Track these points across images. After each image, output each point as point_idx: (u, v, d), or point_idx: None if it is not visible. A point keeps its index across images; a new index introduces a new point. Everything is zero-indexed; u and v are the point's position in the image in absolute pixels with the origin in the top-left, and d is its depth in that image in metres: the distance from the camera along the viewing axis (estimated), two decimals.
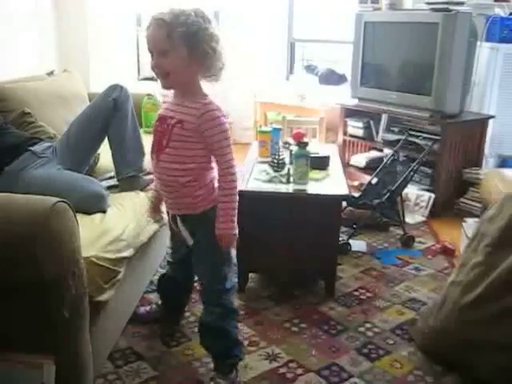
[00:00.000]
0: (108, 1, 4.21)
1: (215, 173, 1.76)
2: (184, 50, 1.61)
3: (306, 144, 2.45)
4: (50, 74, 3.30)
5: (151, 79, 4.60)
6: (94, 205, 2.04)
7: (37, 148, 2.30)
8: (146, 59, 4.83)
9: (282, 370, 1.94)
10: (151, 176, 2.48)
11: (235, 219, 1.73)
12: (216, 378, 1.83)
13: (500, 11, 3.81)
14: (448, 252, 2.98)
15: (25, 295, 1.43)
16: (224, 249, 1.79)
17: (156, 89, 4.16)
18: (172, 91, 1.74)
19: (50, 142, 2.41)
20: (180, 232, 1.86)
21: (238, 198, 1.73)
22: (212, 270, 1.84)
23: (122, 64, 4.34)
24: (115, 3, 4.25)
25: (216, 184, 1.76)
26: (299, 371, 1.93)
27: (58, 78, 3.27)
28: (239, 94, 5.28)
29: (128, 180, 2.37)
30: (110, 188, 2.33)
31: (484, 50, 3.75)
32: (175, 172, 1.70)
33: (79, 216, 1.61)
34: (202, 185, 1.74)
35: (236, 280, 2.20)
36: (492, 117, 3.70)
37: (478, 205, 3.44)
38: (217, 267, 1.83)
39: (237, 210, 1.73)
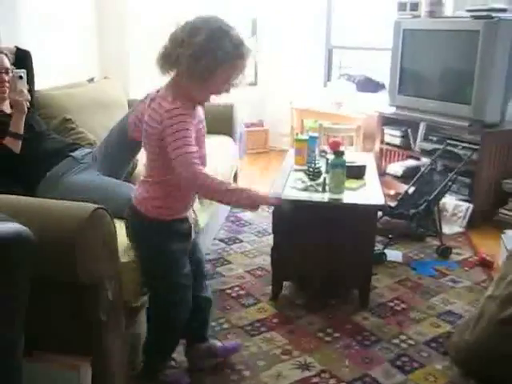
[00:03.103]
0: (148, 7, 4.28)
1: None
2: None
3: (343, 153, 2.44)
4: (91, 80, 3.38)
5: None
6: None
7: (77, 154, 2.37)
8: None
9: (314, 380, 1.94)
10: None
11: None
12: None
13: None
14: (486, 264, 2.92)
15: (63, 298, 1.47)
16: None
17: None
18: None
19: (90, 148, 2.47)
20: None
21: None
22: None
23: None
24: (155, 9, 4.32)
25: None
26: (331, 381, 1.93)
27: (98, 85, 3.35)
28: (276, 100, 5.30)
29: None
30: None
31: None
32: None
33: (117, 222, 1.65)
34: None
35: None
36: None
37: None
38: None
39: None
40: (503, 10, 3.27)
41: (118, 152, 2.38)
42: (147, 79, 4.12)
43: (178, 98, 1.61)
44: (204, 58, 1.55)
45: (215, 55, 1.56)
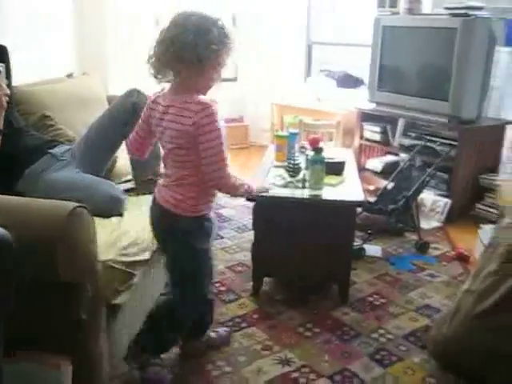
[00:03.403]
0: (126, 3, 4.25)
1: None
2: None
3: (322, 149, 2.46)
4: (70, 76, 3.35)
5: (168, 81, 4.65)
6: (111, 208, 2.08)
7: (56, 151, 2.35)
8: None
9: (294, 375, 1.96)
10: None
11: None
12: None
13: None
14: (463, 258, 2.97)
15: (44, 297, 1.46)
16: None
17: None
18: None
19: (70, 145, 2.45)
20: None
21: None
22: None
23: (140, 66, 4.38)
24: (133, 5, 4.29)
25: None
26: (312, 376, 1.95)
27: (77, 81, 3.31)
28: (257, 95, 5.31)
29: (145, 183, 2.40)
30: (127, 191, 2.37)
31: (502, 54, 3.72)
32: None
33: (97, 219, 1.65)
34: None
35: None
36: (510, 122, 3.68)
37: (494, 211, 3.43)
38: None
39: None
40: (480, 8, 3.32)
41: (98, 149, 2.38)
42: (126, 75, 4.11)
43: (197, 95, 1.68)
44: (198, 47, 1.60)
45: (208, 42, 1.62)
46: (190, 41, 1.59)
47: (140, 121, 1.84)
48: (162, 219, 1.80)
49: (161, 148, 1.86)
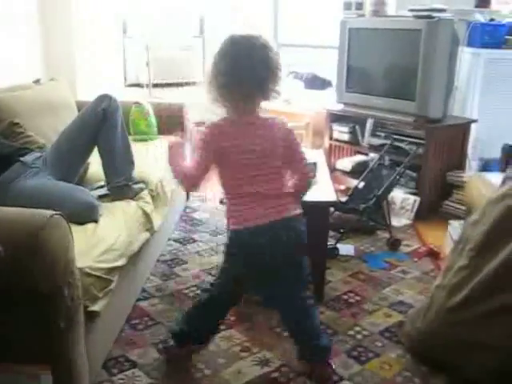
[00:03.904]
0: (93, 8, 4.22)
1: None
2: None
3: None
4: (37, 82, 3.31)
5: (137, 85, 4.64)
6: (86, 215, 2.06)
7: (27, 158, 2.32)
8: (133, 66, 4.81)
9: (274, 375, 1.98)
10: (141, 185, 2.52)
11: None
12: None
13: (480, 17, 3.90)
14: (434, 254, 3.04)
15: (22, 307, 1.45)
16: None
17: (144, 96, 4.21)
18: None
19: (40, 152, 2.43)
20: None
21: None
22: None
23: (108, 71, 4.36)
24: (101, 10, 4.27)
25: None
26: (291, 375, 1.97)
27: (45, 87, 3.28)
28: None
29: (118, 189, 2.40)
30: (100, 197, 2.36)
31: (466, 55, 3.83)
32: None
33: (72, 226, 1.63)
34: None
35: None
36: (474, 121, 3.78)
37: (462, 207, 3.50)
38: None
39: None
40: (442, 10, 3.40)
41: (70, 156, 2.36)
42: (94, 80, 4.09)
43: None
44: None
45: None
46: None
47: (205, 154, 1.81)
48: (289, 232, 1.81)
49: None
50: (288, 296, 1.88)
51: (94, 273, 1.76)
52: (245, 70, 1.70)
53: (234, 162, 1.77)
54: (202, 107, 5.19)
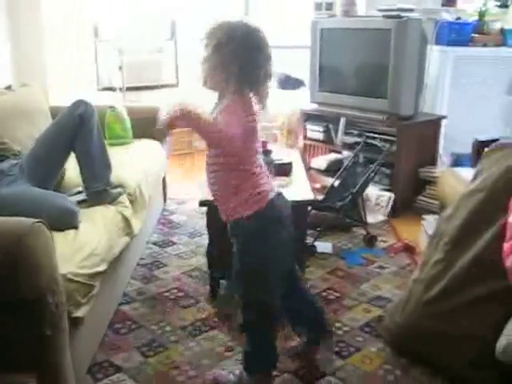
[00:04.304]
0: (64, 12, 4.20)
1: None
2: (208, 58, 1.72)
3: (270, 152, 2.52)
4: (8, 88, 3.27)
5: (110, 89, 4.62)
6: (66, 221, 2.06)
7: (3, 166, 2.31)
8: (105, 70, 4.78)
9: None
10: (119, 189, 2.52)
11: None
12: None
13: (447, 16, 3.99)
14: (409, 249, 3.10)
15: (6, 315, 1.45)
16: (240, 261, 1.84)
17: (118, 100, 4.19)
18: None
19: (16, 160, 2.42)
20: None
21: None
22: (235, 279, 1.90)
23: (80, 75, 4.34)
24: (72, 14, 4.24)
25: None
26: (276, 373, 1.99)
27: (17, 93, 3.24)
28: (198, 100, 5.31)
29: (97, 194, 2.39)
30: (78, 203, 2.35)
31: (434, 53, 3.91)
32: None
33: (52, 233, 1.64)
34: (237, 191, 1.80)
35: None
36: (444, 117, 3.87)
37: (435, 202, 3.58)
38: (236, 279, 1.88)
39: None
40: (411, 10, 3.47)
41: (47, 162, 2.36)
42: (67, 85, 4.06)
43: None
44: None
45: None
46: None
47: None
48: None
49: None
50: (294, 270, 1.98)
51: (76, 279, 1.77)
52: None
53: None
54: None
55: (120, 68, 4.37)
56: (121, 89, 4.40)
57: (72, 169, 2.54)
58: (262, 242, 1.77)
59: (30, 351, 1.51)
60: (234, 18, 1.76)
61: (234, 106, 1.71)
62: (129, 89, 4.45)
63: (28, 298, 1.43)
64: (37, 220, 1.48)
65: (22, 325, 1.47)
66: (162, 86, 4.84)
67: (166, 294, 2.59)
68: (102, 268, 1.98)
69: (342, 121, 4.06)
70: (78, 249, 1.91)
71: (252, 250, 1.80)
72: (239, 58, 1.69)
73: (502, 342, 1.65)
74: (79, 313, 1.77)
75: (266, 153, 2.50)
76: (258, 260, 1.78)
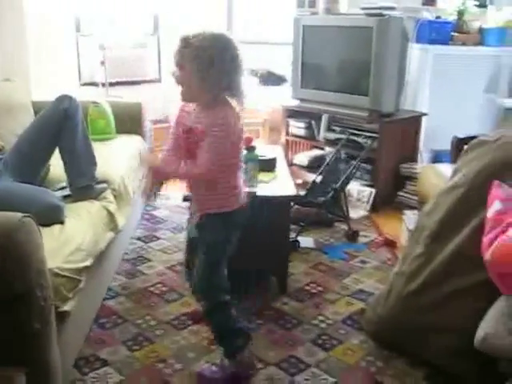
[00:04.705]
0: (46, 6, 4.16)
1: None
2: (194, 68, 1.70)
3: (255, 148, 2.54)
4: None
5: (92, 84, 4.59)
6: (51, 217, 2.06)
7: None
8: (87, 64, 4.72)
9: None
10: (103, 185, 2.53)
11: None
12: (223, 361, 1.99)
13: (428, 15, 4.05)
14: (390, 244, 3.16)
15: None
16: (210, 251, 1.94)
17: (100, 95, 4.17)
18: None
19: (0, 155, 2.40)
20: None
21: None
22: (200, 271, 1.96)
23: (62, 70, 4.30)
24: (53, 8, 4.20)
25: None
26: (259, 365, 2.04)
27: (0, 88, 3.22)
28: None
29: (81, 190, 2.40)
30: (63, 198, 2.35)
31: (415, 51, 3.98)
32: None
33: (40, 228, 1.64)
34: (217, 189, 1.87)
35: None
36: (425, 114, 3.93)
37: (415, 197, 3.65)
38: (203, 271, 1.95)
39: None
40: (392, 8, 3.53)
41: (31, 157, 2.36)
42: (49, 80, 4.03)
43: None
44: None
45: None
46: None
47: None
48: None
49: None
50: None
51: (63, 273, 1.78)
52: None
53: None
54: (159, 105, 5.20)
55: (102, 63, 4.34)
56: (103, 84, 4.38)
57: (56, 164, 2.53)
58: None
59: (18, 346, 1.52)
60: (213, 29, 1.75)
61: (224, 115, 1.76)
62: (111, 84, 4.43)
63: (16, 292, 1.43)
64: (25, 215, 1.49)
65: (10, 319, 1.47)
66: (145, 82, 4.82)
67: (151, 288, 2.60)
68: (87, 263, 1.99)
69: (324, 117, 4.11)
70: (64, 244, 1.92)
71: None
72: (228, 71, 1.73)
73: (480, 334, 1.70)
74: (66, 307, 1.78)
75: (250, 149, 2.51)
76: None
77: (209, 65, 1.69)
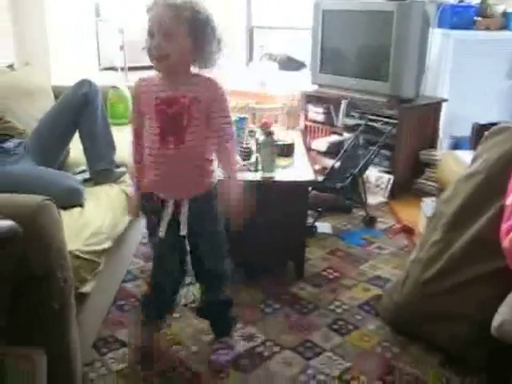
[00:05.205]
0: None
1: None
2: (187, 34, 1.64)
3: (273, 133, 2.54)
4: (10, 67, 3.28)
5: (111, 69, 4.62)
6: (71, 200, 2.09)
7: (8, 145, 2.33)
8: (106, 49, 4.73)
9: (259, 349, 2.06)
10: (123, 168, 2.55)
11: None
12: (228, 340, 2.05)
13: None
14: (408, 231, 3.15)
15: (16, 290, 1.48)
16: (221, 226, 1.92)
17: (120, 79, 4.20)
18: (156, 74, 1.74)
19: (21, 138, 2.44)
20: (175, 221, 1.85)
21: None
22: (217, 251, 1.95)
23: (82, 55, 4.33)
24: None
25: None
26: (275, 349, 2.06)
27: (20, 72, 3.25)
28: None
29: (101, 173, 2.42)
30: (83, 181, 2.38)
31: (436, 36, 3.91)
32: (201, 149, 1.76)
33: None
34: (212, 160, 1.83)
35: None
36: (445, 100, 3.88)
37: (434, 184, 3.62)
38: (221, 248, 1.96)
39: None
40: None
41: (52, 141, 2.39)
42: (69, 64, 4.06)
43: None
44: None
45: None
46: None
47: None
48: None
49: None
50: None
51: (82, 255, 1.81)
52: None
53: None
54: None
55: (121, 48, 4.36)
56: (122, 68, 4.40)
57: (76, 148, 2.56)
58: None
59: (38, 326, 1.55)
60: None
61: (219, 81, 1.75)
62: (131, 68, 4.45)
63: (37, 273, 1.46)
64: (45, 198, 1.51)
65: (30, 300, 1.50)
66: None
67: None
68: (106, 245, 2.02)
69: (344, 103, 4.07)
70: (84, 226, 1.95)
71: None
72: (219, 37, 1.72)
73: (497, 320, 1.69)
74: (85, 289, 1.81)
75: (268, 134, 2.51)
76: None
77: (204, 26, 1.66)
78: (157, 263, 1.97)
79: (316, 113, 4.29)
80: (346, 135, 4.03)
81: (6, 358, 1.56)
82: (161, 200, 1.82)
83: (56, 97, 3.04)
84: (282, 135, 2.93)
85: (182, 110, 1.70)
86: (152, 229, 1.89)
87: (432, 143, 3.86)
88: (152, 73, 1.77)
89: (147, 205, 1.87)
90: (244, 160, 2.61)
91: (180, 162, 1.76)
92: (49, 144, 2.38)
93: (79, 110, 2.40)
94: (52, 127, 2.40)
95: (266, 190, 2.49)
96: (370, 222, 3.22)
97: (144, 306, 2.07)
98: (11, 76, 3.10)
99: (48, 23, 4.04)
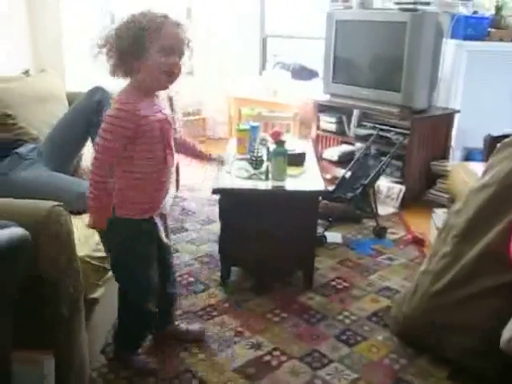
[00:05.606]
0: (81, 1, 4.23)
1: None
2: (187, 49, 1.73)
3: (284, 142, 2.55)
4: (26, 73, 3.32)
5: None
6: (81, 205, 2.10)
7: (22, 150, 2.36)
8: None
9: (266, 358, 2.05)
10: None
11: None
12: None
13: (464, 10, 3.97)
14: (418, 242, 3.13)
15: (26, 295, 1.50)
16: None
17: None
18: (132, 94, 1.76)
19: (34, 144, 2.46)
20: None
21: None
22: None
23: (96, 62, 4.36)
24: (89, 4, 4.27)
25: None
26: (283, 358, 2.05)
27: (35, 78, 3.28)
28: (213, 89, 5.35)
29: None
30: None
31: (449, 47, 3.90)
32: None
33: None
34: None
35: None
36: (457, 111, 3.87)
37: (445, 195, 3.61)
38: None
39: None
40: (427, 3, 3.47)
41: (64, 147, 2.41)
42: (84, 71, 4.09)
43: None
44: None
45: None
46: None
47: None
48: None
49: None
50: None
51: (92, 261, 1.82)
52: None
53: None
54: (191, 97, 5.24)
55: None
56: None
57: (87, 154, 2.58)
58: None
59: (47, 331, 1.56)
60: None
61: None
62: None
63: (48, 278, 1.48)
64: (57, 203, 1.53)
65: (40, 305, 1.52)
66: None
67: (178, 279, 2.61)
68: None
69: (356, 113, 4.08)
70: (93, 232, 1.95)
71: None
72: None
73: (506, 335, 1.68)
74: (95, 294, 1.82)
75: (279, 143, 2.52)
76: None
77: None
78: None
79: (328, 122, 4.30)
80: (358, 145, 4.04)
81: (15, 361, 1.58)
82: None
83: (70, 103, 3.07)
84: (294, 144, 2.94)
85: (170, 124, 1.79)
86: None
87: (444, 154, 3.85)
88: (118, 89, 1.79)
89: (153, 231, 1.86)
90: (255, 169, 2.62)
91: (168, 180, 1.84)
92: (61, 150, 2.41)
93: (92, 117, 2.42)
94: (65, 133, 2.43)
95: (276, 198, 2.50)
96: (380, 232, 3.21)
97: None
98: (26, 82, 3.14)
99: (63, 30, 4.09)
